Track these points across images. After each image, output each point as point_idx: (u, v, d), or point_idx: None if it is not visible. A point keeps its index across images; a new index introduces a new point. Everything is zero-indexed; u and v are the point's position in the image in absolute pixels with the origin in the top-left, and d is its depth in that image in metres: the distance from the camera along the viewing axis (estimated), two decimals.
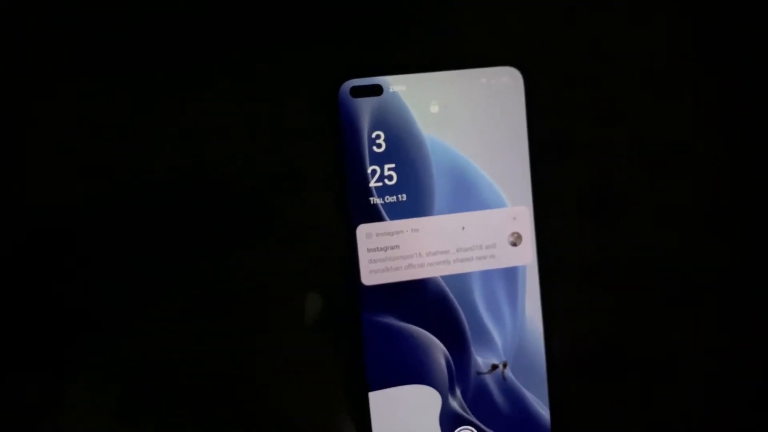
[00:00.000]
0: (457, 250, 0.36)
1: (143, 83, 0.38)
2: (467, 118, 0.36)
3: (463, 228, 0.36)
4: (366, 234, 0.35)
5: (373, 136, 0.35)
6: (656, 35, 0.39)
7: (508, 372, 0.37)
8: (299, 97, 0.37)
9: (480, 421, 0.37)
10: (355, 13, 0.37)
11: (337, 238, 0.36)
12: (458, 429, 0.36)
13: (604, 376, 0.38)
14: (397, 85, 0.35)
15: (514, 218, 0.36)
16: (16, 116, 0.38)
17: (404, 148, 0.35)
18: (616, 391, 0.38)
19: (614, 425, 0.38)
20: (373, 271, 0.35)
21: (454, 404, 0.36)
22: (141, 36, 0.38)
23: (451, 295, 0.36)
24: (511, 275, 0.37)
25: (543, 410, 0.37)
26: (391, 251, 0.36)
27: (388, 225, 0.36)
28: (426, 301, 0.36)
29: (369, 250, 0.35)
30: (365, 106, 0.35)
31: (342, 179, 0.35)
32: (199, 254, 0.39)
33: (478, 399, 0.37)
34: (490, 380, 0.37)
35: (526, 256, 0.37)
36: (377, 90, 0.35)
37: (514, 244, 0.37)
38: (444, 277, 0.36)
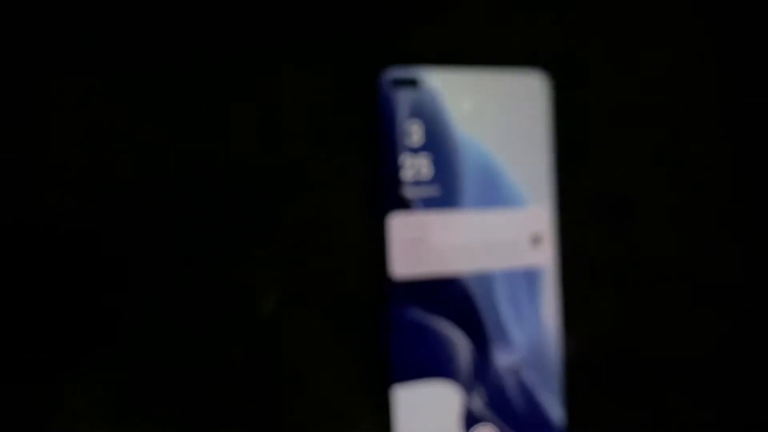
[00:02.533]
0: (482, 246, 0.37)
1: (152, 80, 0.37)
2: (496, 117, 0.37)
3: (488, 225, 0.37)
4: (397, 224, 0.35)
5: (408, 128, 0.35)
6: (677, 42, 0.41)
7: (522, 372, 0.37)
8: (332, 91, 0.36)
9: (499, 419, 0.37)
10: (388, 4, 0.38)
11: (358, 233, 0.35)
12: (477, 425, 0.36)
13: (620, 377, 0.39)
14: (434, 80, 0.36)
15: (534, 218, 0.37)
16: (17, 116, 0.36)
17: (437, 143, 0.36)
18: (632, 392, 0.39)
19: (629, 426, 0.39)
20: (403, 262, 0.35)
21: (476, 401, 0.36)
22: (153, 32, 0.37)
23: (475, 293, 0.36)
24: (530, 275, 0.37)
25: (557, 410, 0.38)
26: (420, 243, 0.35)
27: (420, 217, 0.36)
28: (452, 297, 0.36)
29: (400, 241, 0.35)
30: (401, 99, 0.35)
31: (374, 169, 0.35)
32: (212, 251, 0.38)
33: (497, 397, 0.37)
34: (507, 378, 0.37)
35: (546, 257, 0.38)
36: (414, 83, 0.35)
37: (534, 244, 0.37)
38: (468, 275, 0.36)
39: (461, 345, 0.36)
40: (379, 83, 0.35)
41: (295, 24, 0.36)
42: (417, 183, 0.35)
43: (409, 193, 0.35)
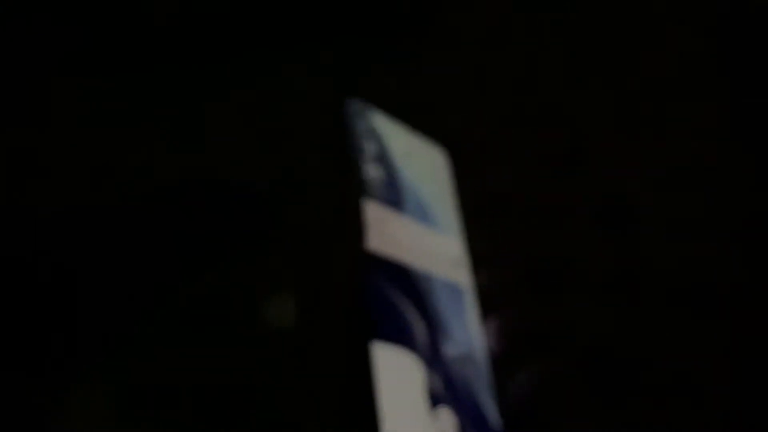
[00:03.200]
0: (423, 253, 0.43)
1: (149, 85, 0.40)
2: (420, 169, 0.47)
3: (426, 238, 0.43)
4: (370, 207, 0.40)
5: (367, 145, 0.43)
6: (674, 48, 0.40)
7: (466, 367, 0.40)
8: (305, 105, 0.42)
9: (452, 405, 0.38)
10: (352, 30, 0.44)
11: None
12: (439, 405, 0.37)
13: (618, 383, 0.36)
14: (377, 120, 0.45)
15: (452, 246, 0.45)
16: (18, 118, 0.36)
17: (387, 161, 0.44)
18: (622, 399, 0.35)
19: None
20: (376, 240, 0.39)
21: (434, 381, 0.38)
22: (150, 39, 0.41)
23: (425, 286, 0.41)
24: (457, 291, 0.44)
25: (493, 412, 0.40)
26: (386, 228, 0.40)
27: (383, 208, 0.41)
28: (411, 282, 0.40)
29: (373, 221, 0.40)
30: (361, 122, 0.44)
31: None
32: (205, 258, 0.37)
33: (450, 384, 0.39)
34: (457, 369, 0.40)
35: (466, 279, 0.45)
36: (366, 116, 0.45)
37: (456, 266, 0.45)
38: (419, 269, 0.41)
39: (420, 325, 0.39)
40: (345, 109, 0.43)
41: (289, 29, 0.42)
42: (378, 184, 0.42)
43: (373, 190, 0.41)
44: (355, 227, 0.39)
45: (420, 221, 0.43)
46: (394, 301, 0.38)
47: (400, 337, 0.37)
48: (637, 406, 0.35)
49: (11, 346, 0.31)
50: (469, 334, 0.42)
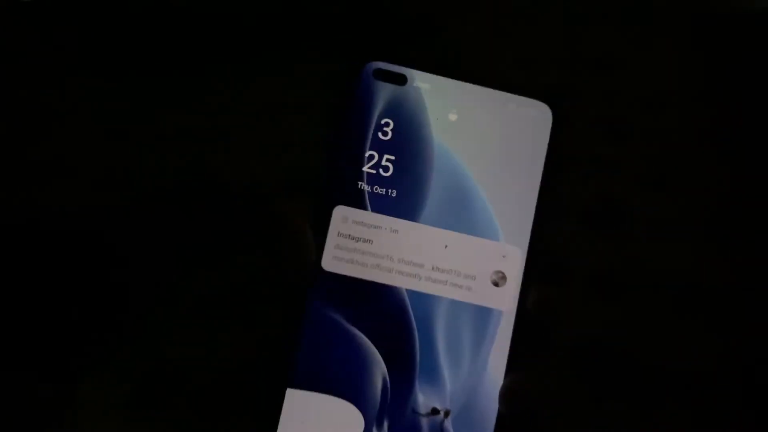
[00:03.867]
0: (433, 268, 0.33)
1: (149, 87, 0.39)
2: (485, 138, 0.34)
3: (446, 247, 0.33)
4: (342, 217, 0.33)
5: (382, 122, 0.33)
6: (663, 55, 0.38)
7: (447, 423, 0.32)
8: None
9: None
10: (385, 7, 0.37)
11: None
12: None
13: (607, 384, 0.34)
14: (423, 82, 0.34)
15: (504, 256, 0.33)
16: (19, 119, 0.39)
17: (410, 145, 0.33)
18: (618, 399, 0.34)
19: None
20: (337, 258, 0.32)
21: None
22: (147, 39, 0.38)
23: (412, 316, 0.32)
24: (483, 316, 0.33)
25: None
26: (362, 244, 0.32)
27: (369, 215, 0.33)
28: (383, 311, 0.32)
29: (340, 235, 0.32)
30: (383, 91, 0.33)
31: (334, 154, 0.33)
32: (207, 257, 0.38)
33: None
34: (425, 424, 0.32)
35: (506, 301, 0.33)
36: (401, 80, 0.34)
37: (496, 284, 0.33)
38: (410, 293, 0.32)
39: (380, 369, 0.32)
40: (361, 73, 0.34)
41: (290, 29, 0.37)
42: (375, 180, 0.33)
43: (365, 186, 0.33)
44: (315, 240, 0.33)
45: (447, 222, 0.33)
46: (340, 333, 0.32)
47: (334, 381, 0.32)
48: (624, 403, 0.35)
49: (25, 341, 0.38)
50: (481, 369, 0.32)
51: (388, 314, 0.32)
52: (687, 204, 0.36)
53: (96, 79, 0.37)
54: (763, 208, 0.38)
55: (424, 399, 0.32)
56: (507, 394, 0.32)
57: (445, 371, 0.32)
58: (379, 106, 0.33)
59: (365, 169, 0.33)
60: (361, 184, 0.33)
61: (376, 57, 0.34)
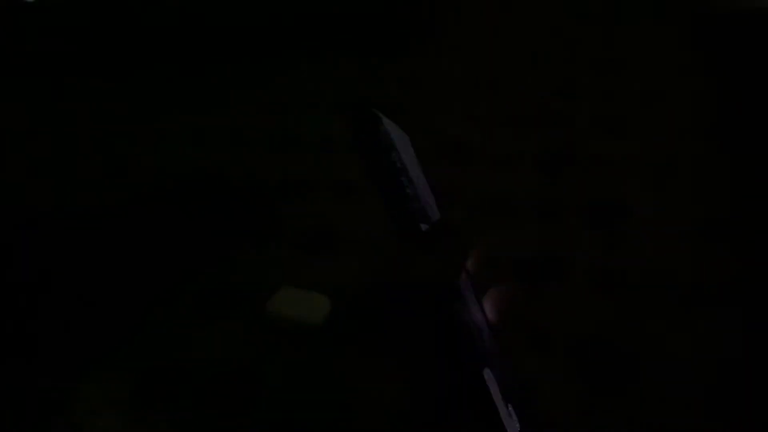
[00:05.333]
0: None
1: (159, 86, 0.32)
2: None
3: None
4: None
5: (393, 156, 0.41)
6: (664, 55, 0.45)
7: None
8: (317, 109, 0.38)
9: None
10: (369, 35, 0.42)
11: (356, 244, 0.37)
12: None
13: (607, 373, 0.38)
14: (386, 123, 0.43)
15: None
16: (21, 120, 0.26)
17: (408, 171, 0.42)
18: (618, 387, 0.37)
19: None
20: None
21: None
22: (160, 40, 0.33)
23: None
24: None
25: None
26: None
27: None
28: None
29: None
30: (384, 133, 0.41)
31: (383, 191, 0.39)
32: (211, 255, 0.32)
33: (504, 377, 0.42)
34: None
35: None
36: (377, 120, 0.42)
37: None
38: None
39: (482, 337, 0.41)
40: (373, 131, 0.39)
41: (302, 36, 0.37)
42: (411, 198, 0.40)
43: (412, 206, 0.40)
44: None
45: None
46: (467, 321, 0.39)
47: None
48: (627, 396, 0.38)
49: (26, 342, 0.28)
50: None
51: None
52: (687, 203, 0.40)
53: (110, 78, 0.28)
54: (764, 207, 0.42)
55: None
56: None
57: None
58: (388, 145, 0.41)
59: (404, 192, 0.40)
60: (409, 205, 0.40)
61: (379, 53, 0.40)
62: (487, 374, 0.37)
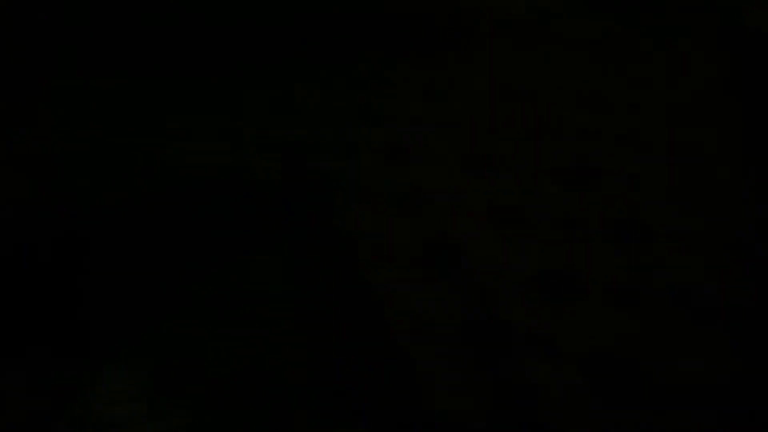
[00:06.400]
0: None
1: (179, 86, 0.34)
2: None
3: None
4: None
5: None
6: (691, 70, 0.44)
7: None
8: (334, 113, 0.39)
9: None
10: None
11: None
12: None
13: (625, 389, 0.36)
14: None
15: None
16: (29, 117, 0.29)
17: None
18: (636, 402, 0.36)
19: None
20: None
21: None
22: (180, 40, 0.35)
23: None
24: None
25: None
26: None
27: None
28: None
29: None
30: None
31: None
32: (229, 254, 0.34)
33: None
34: None
35: None
36: None
37: None
38: None
39: None
40: None
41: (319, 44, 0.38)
42: None
43: None
44: None
45: None
46: None
47: None
48: (641, 409, 0.37)
49: (52, 325, 0.31)
50: None
51: None
52: (710, 221, 0.40)
53: (128, 77, 0.30)
54: None
55: None
56: None
57: None
58: None
59: None
60: None
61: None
62: None
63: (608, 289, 0.44)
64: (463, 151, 1.77)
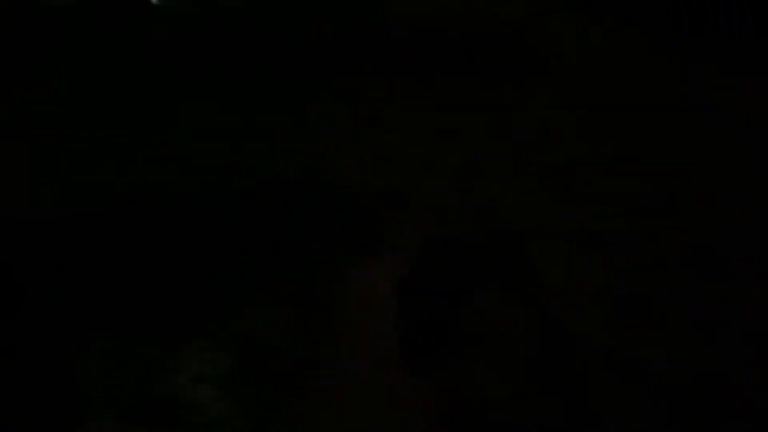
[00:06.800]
0: None
1: (263, 88, 0.33)
2: None
3: None
4: None
5: None
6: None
7: None
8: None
9: None
10: None
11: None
12: None
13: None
14: None
15: None
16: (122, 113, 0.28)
17: None
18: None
19: None
20: None
21: None
22: (271, 50, 0.34)
23: None
24: None
25: None
26: None
27: None
28: None
29: None
30: None
31: None
32: (305, 254, 0.33)
33: None
34: None
35: None
36: None
37: None
38: None
39: None
40: None
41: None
42: None
43: None
44: None
45: None
46: None
47: None
48: None
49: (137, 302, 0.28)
50: None
51: None
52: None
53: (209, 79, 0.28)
54: None
55: None
56: None
57: None
58: None
59: None
60: None
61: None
62: None
63: (686, 319, 0.45)
64: (543, 175, 1.81)
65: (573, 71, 1.29)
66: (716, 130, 1.22)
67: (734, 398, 0.46)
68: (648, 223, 0.81)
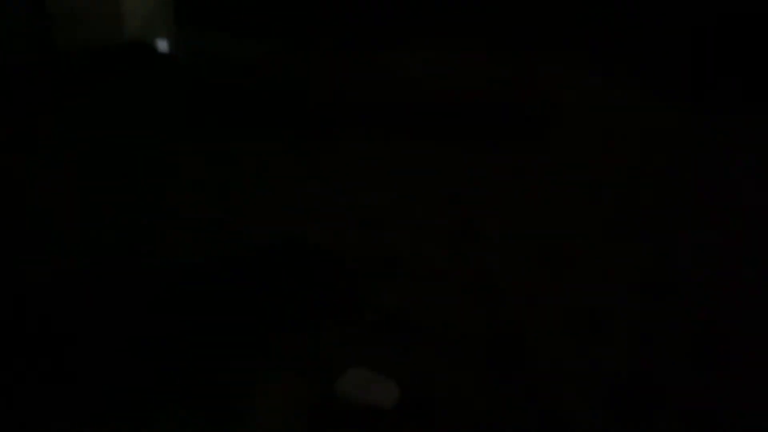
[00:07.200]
0: None
1: (259, 142, 0.40)
2: None
3: None
4: None
5: None
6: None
7: None
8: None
9: None
10: None
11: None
12: None
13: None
14: None
15: None
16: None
17: None
18: None
19: None
20: None
21: None
22: (267, 110, 0.41)
23: None
24: None
25: None
26: None
27: None
28: None
29: None
30: None
31: None
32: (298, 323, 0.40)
33: None
34: None
35: None
36: None
37: None
38: None
39: None
40: None
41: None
42: None
43: None
44: None
45: None
46: None
47: None
48: None
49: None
50: None
51: None
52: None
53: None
54: None
55: None
56: None
57: None
58: None
59: None
60: None
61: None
62: None
63: (683, 408, 0.45)
64: (538, 245, 1.76)
65: (573, 134, 1.28)
66: (721, 196, 1.20)
67: None
68: (648, 301, 0.81)
